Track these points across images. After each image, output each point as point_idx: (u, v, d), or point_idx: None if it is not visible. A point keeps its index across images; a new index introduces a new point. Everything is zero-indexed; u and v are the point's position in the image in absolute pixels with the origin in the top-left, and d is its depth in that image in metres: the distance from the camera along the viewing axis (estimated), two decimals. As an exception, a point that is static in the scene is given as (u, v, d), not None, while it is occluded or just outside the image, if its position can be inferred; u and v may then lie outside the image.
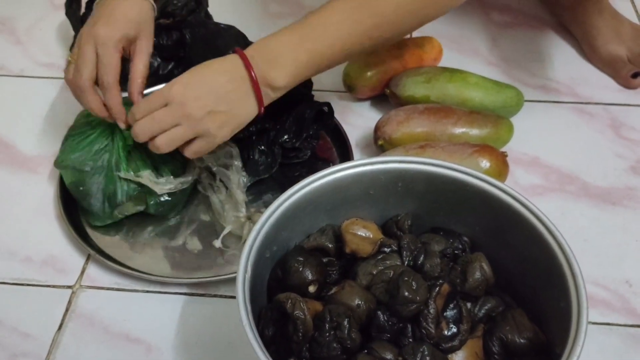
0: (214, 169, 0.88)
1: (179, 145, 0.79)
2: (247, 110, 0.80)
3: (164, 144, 0.78)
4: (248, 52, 0.78)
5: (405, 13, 0.79)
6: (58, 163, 0.88)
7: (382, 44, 0.84)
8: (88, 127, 0.89)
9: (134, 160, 0.86)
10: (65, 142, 0.89)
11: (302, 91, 0.93)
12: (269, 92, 0.80)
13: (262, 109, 0.81)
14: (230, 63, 0.79)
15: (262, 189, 0.92)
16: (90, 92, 0.82)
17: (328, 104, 0.94)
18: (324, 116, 0.94)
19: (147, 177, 0.85)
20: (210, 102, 0.77)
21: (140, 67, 0.83)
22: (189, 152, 0.81)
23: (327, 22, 0.79)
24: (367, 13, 0.77)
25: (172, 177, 0.86)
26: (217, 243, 0.84)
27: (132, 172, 0.85)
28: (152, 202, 0.87)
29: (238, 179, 0.87)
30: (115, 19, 0.82)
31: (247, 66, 0.77)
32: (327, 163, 0.95)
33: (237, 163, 0.88)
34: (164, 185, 0.85)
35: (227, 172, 0.87)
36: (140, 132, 0.78)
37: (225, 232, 0.85)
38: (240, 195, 0.86)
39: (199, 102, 0.77)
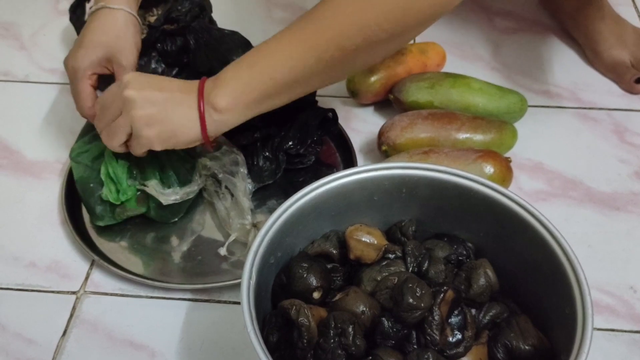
0: (220, 175, 0.88)
1: (122, 141, 0.79)
2: (184, 123, 0.77)
3: (109, 140, 0.79)
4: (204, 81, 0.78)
5: (348, 52, 0.73)
6: (71, 155, 0.88)
7: (336, 75, 0.79)
8: None
9: (142, 163, 0.86)
10: (82, 134, 0.90)
11: (306, 97, 0.93)
12: (212, 113, 0.76)
13: (205, 134, 0.77)
14: (190, 91, 0.77)
15: (267, 194, 0.92)
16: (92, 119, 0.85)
17: (332, 110, 0.94)
18: (328, 122, 0.94)
19: (153, 187, 0.85)
20: (160, 113, 0.76)
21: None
22: (133, 150, 0.80)
23: (271, 44, 0.76)
24: (315, 57, 0.73)
25: (178, 187, 0.86)
26: (223, 251, 0.84)
27: (137, 182, 0.85)
28: (153, 205, 0.87)
29: (244, 186, 0.87)
30: (82, 47, 0.84)
31: (200, 83, 0.77)
32: (331, 168, 0.96)
33: (243, 170, 0.88)
34: (169, 196, 0.85)
35: (232, 179, 0.87)
36: (100, 129, 0.80)
37: (230, 239, 0.85)
38: (246, 203, 0.86)
39: (148, 109, 0.75)
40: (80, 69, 0.83)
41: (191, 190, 0.87)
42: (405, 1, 0.70)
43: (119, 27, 0.85)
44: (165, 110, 0.76)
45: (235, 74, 0.77)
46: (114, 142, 0.79)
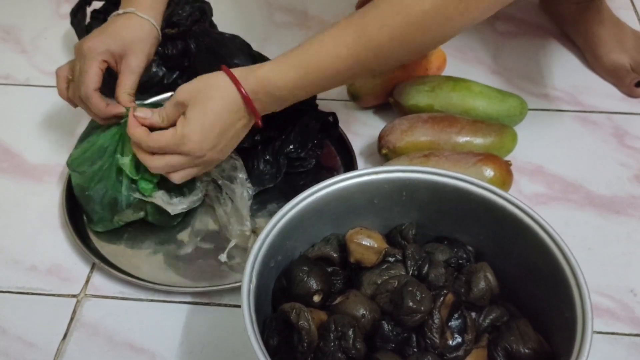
0: (219, 181, 0.87)
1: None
2: (247, 129, 0.82)
3: (177, 180, 0.80)
4: (251, 86, 0.76)
5: (400, 43, 0.75)
6: (69, 163, 0.88)
7: (377, 73, 0.83)
8: (98, 130, 0.88)
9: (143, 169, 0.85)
10: (80, 142, 0.89)
11: (306, 101, 0.93)
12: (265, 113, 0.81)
13: (260, 122, 0.81)
14: (234, 102, 0.77)
15: (267, 198, 0.92)
16: (80, 103, 0.85)
17: (333, 114, 0.94)
18: (329, 126, 0.95)
19: (159, 197, 0.85)
20: (224, 142, 0.79)
21: (124, 84, 0.84)
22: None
23: (327, 58, 0.76)
24: (363, 45, 0.75)
25: (183, 197, 0.86)
26: (223, 257, 0.84)
27: (145, 194, 0.85)
28: (151, 211, 0.87)
29: (242, 192, 0.87)
30: (103, 34, 0.85)
31: (251, 107, 0.77)
32: (331, 172, 0.96)
33: (242, 175, 0.88)
34: (176, 206, 0.85)
35: (231, 185, 0.87)
36: (154, 171, 0.80)
37: (230, 245, 0.85)
38: (245, 209, 0.86)
39: (214, 150, 0.78)
40: (97, 50, 0.83)
41: (197, 198, 0.87)
42: None
43: (141, 33, 0.86)
44: (236, 142, 0.81)
45: (294, 93, 0.78)
46: (179, 178, 0.80)
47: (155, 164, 0.79)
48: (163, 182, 0.85)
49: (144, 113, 0.79)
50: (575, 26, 1.13)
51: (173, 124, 0.78)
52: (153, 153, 0.78)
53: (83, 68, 0.83)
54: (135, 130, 0.78)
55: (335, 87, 0.80)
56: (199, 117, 0.76)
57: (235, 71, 0.77)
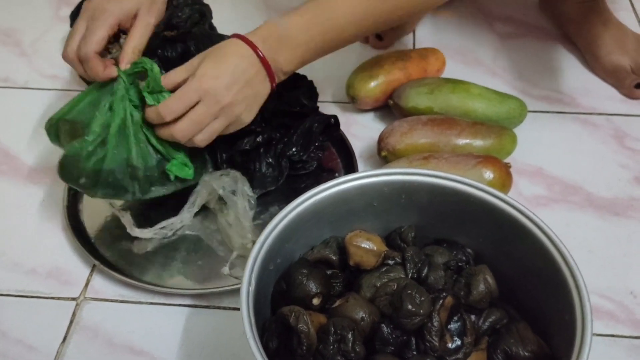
0: (220, 191, 0.87)
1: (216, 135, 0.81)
2: (265, 90, 0.82)
3: (204, 141, 0.80)
4: (257, 36, 0.79)
5: None
6: (52, 122, 0.85)
7: (395, 23, 0.85)
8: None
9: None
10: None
11: (308, 104, 0.94)
12: (280, 74, 0.82)
13: (274, 86, 0.82)
14: (243, 48, 0.79)
15: (269, 200, 0.92)
16: (75, 64, 0.83)
17: (335, 117, 0.94)
18: (331, 128, 0.95)
19: (126, 217, 0.86)
20: (240, 88, 0.78)
21: (133, 37, 0.82)
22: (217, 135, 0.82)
23: (338, 10, 0.79)
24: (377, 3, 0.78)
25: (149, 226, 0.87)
26: (226, 270, 0.84)
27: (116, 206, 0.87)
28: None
29: (244, 205, 0.86)
30: (110, 2, 0.82)
31: (257, 54, 0.78)
32: (332, 174, 0.96)
33: (244, 187, 0.87)
34: (138, 231, 0.86)
35: (233, 197, 0.86)
36: (182, 135, 0.79)
37: (232, 257, 0.85)
38: (247, 221, 0.85)
39: (231, 92, 0.78)
40: (108, 12, 0.81)
41: (169, 224, 0.88)
42: None
43: None
44: (254, 93, 0.80)
45: (304, 37, 0.79)
46: (205, 138, 0.80)
47: (181, 126, 0.78)
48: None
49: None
50: (577, 26, 1.13)
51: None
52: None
53: (91, 28, 0.81)
54: (150, 108, 0.78)
55: (343, 45, 0.82)
56: (210, 61, 0.77)
57: (249, 33, 0.80)
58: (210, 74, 0.77)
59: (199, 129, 0.79)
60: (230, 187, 0.87)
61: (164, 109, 0.77)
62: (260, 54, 0.78)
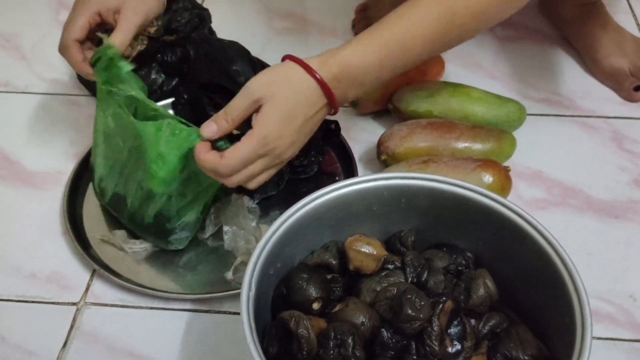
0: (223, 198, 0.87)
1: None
2: (317, 125, 0.78)
3: (256, 186, 0.77)
4: (331, 73, 0.73)
5: (479, 20, 0.77)
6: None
7: (450, 48, 0.83)
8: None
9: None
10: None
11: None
12: (343, 103, 0.78)
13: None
14: (314, 95, 0.73)
15: (270, 204, 0.92)
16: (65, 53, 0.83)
17: (335, 122, 0.94)
18: (331, 133, 0.95)
19: (119, 237, 0.86)
20: (301, 138, 0.76)
21: (114, 39, 0.80)
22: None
23: (411, 40, 0.75)
24: (448, 21, 0.75)
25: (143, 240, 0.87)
26: (229, 275, 0.84)
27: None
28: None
29: (246, 211, 0.86)
30: None
31: (330, 96, 0.74)
32: (332, 178, 0.96)
33: (243, 202, 0.88)
34: (134, 245, 0.87)
35: (236, 203, 0.87)
36: (233, 184, 0.74)
37: (236, 263, 0.85)
38: (250, 228, 0.86)
39: (294, 146, 0.75)
40: (89, 1, 0.81)
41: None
42: None
43: None
44: (305, 135, 0.77)
45: (376, 76, 0.76)
46: (257, 185, 0.77)
47: (235, 180, 0.73)
48: None
49: (209, 130, 0.73)
50: (575, 29, 1.13)
51: (241, 123, 0.74)
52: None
53: (71, 17, 0.81)
54: (206, 159, 0.72)
55: (412, 67, 0.79)
56: (277, 113, 0.71)
57: (311, 60, 0.73)
58: (275, 136, 0.72)
59: (252, 178, 0.75)
60: (231, 210, 0.87)
61: (225, 169, 0.72)
62: (332, 97, 0.74)
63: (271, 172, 0.77)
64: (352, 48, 0.74)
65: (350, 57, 0.74)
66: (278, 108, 0.72)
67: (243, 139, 0.72)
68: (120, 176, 0.85)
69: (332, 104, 0.75)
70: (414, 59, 0.77)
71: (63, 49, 0.83)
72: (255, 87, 0.72)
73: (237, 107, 0.73)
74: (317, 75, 0.72)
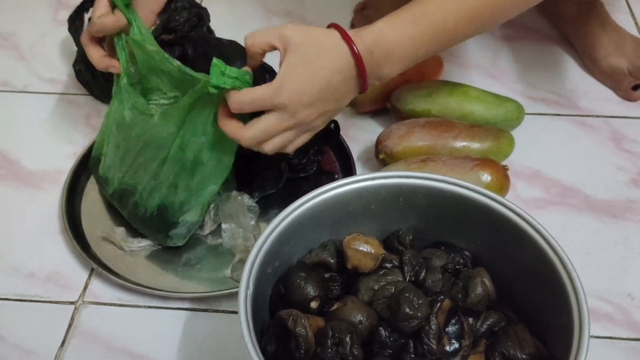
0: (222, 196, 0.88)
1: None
2: (349, 101, 0.76)
3: (272, 150, 0.74)
4: (365, 45, 0.70)
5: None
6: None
7: (484, 32, 0.80)
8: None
9: None
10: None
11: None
12: (375, 82, 0.74)
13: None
14: (344, 61, 0.70)
15: (268, 203, 0.92)
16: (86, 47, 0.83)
17: (335, 122, 0.94)
18: (330, 133, 0.95)
19: (119, 234, 0.86)
20: (323, 105, 0.72)
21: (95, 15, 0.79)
22: (290, 149, 0.77)
23: (447, 16, 0.72)
24: (484, 2, 0.73)
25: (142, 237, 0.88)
26: (227, 272, 0.84)
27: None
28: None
29: (245, 210, 0.86)
30: None
31: (361, 68, 0.70)
32: (331, 177, 0.96)
33: (242, 200, 0.88)
34: (133, 243, 0.87)
35: (235, 201, 0.87)
36: (249, 142, 0.73)
37: (235, 260, 0.85)
38: (249, 226, 0.86)
39: (312, 109, 0.72)
40: None
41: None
42: None
43: None
44: (337, 107, 0.74)
45: (411, 53, 0.73)
46: (274, 148, 0.74)
47: (249, 134, 0.72)
48: None
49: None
50: (574, 28, 1.13)
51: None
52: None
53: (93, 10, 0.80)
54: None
55: (445, 50, 0.77)
56: (301, 65, 0.69)
57: (348, 31, 0.71)
58: (293, 89, 0.70)
59: (268, 138, 0.73)
60: (231, 208, 0.87)
61: (233, 96, 0.71)
62: (363, 69, 0.71)
63: (288, 137, 0.74)
64: (388, 21, 0.72)
65: (386, 30, 0.71)
66: (302, 60, 0.69)
67: (262, 85, 0.71)
68: (131, 167, 0.85)
69: (363, 77, 0.71)
70: (447, 40, 0.75)
71: (83, 45, 0.82)
72: (288, 27, 0.70)
73: (263, 33, 0.71)
74: (353, 45, 0.69)
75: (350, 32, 0.71)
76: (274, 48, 0.71)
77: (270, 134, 0.73)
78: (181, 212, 0.83)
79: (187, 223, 0.84)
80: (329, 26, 0.73)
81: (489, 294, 0.68)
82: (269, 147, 0.74)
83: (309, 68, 0.69)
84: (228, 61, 0.94)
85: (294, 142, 0.76)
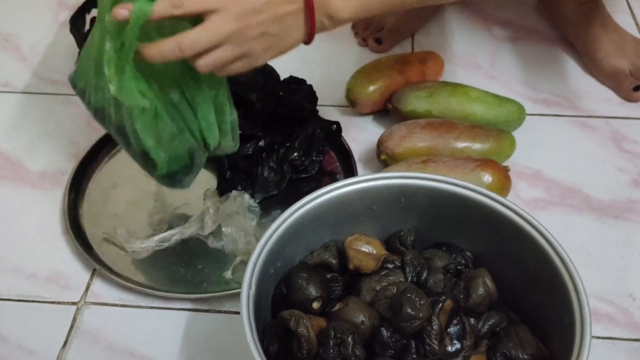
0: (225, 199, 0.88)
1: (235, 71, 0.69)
2: (295, 38, 0.70)
3: (204, 66, 0.67)
4: None
5: None
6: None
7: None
8: None
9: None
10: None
11: (307, 107, 0.94)
12: (325, 21, 0.70)
13: (311, 39, 0.71)
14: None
15: (270, 204, 0.92)
16: None
17: (337, 123, 0.95)
18: (332, 134, 0.95)
19: (120, 235, 0.86)
20: (266, 19, 0.66)
21: None
22: (223, 72, 0.69)
23: None
24: None
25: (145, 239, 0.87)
26: (228, 274, 0.84)
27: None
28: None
29: (246, 211, 0.87)
30: None
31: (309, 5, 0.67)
32: (333, 178, 0.96)
33: (244, 200, 0.88)
34: (135, 244, 0.86)
35: (236, 202, 0.87)
36: (178, 50, 0.64)
37: (236, 262, 0.85)
38: (251, 227, 0.86)
39: (256, 18, 0.66)
40: None
41: (166, 236, 0.87)
42: None
43: None
44: (280, 34, 0.68)
45: None
46: (208, 63, 0.66)
47: (182, 40, 0.64)
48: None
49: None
50: (575, 29, 1.13)
51: None
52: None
53: None
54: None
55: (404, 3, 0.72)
56: None
57: None
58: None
59: (202, 48, 0.65)
60: (231, 208, 0.87)
61: (184, 41, 0.64)
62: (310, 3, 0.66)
63: (220, 54, 0.66)
64: None
65: None
66: None
67: None
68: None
69: (309, 7, 0.67)
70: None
71: None
72: None
73: None
74: None
75: None
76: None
77: (205, 43, 0.65)
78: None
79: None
80: None
81: (490, 294, 0.68)
82: (201, 62, 0.66)
83: None
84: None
85: (231, 66, 0.69)
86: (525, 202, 0.93)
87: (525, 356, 0.64)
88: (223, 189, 0.90)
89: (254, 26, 0.66)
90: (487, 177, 0.86)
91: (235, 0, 0.65)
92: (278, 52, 0.70)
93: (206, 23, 0.64)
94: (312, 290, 0.68)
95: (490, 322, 0.68)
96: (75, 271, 0.87)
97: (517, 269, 0.70)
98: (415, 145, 0.92)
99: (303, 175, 0.94)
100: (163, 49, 0.64)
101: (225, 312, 0.82)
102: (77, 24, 1.09)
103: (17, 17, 1.28)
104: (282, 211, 0.70)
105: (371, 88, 1.02)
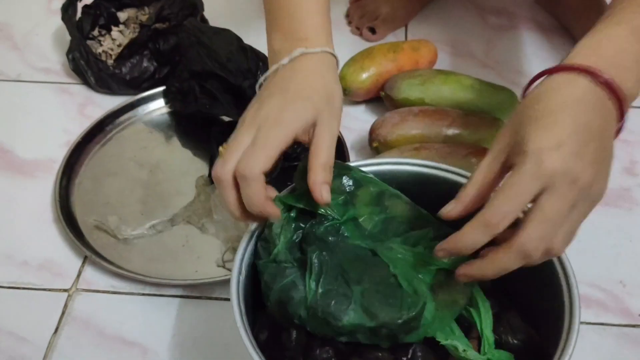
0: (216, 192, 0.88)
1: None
2: (614, 133, 0.59)
3: (564, 245, 0.54)
4: (606, 56, 0.56)
5: None
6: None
7: None
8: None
9: None
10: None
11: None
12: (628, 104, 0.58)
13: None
14: (591, 94, 0.55)
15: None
16: (228, 186, 0.61)
17: None
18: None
19: (112, 222, 0.87)
20: (597, 156, 0.54)
21: (321, 150, 0.62)
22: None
23: None
24: None
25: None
26: (219, 261, 0.84)
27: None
28: None
29: None
30: (290, 102, 0.62)
31: (614, 92, 0.55)
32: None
33: None
34: (126, 231, 0.87)
35: None
36: (534, 249, 0.53)
37: (226, 249, 0.85)
38: None
39: (591, 168, 0.53)
40: (285, 122, 0.61)
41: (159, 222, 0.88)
42: None
43: (330, 81, 0.64)
44: (610, 154, 0.57)
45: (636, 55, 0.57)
46: (565, 243, 0.54)
47: (526, 236, 0.53)
48: None
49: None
50: (575, 16, 1.13)
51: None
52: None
53: (260, 142, 0.61)
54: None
55: None
56: (530, 115, 0.54)
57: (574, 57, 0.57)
58: (546, 144, 0.51)
59: (554, 231, 0.52)
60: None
61: (491, 214, 0.53)
62: (614, 89, 0.54)
63: (581, 212, 0.53)
64: (594, 33, 0.58)
65: (591, 39, 0.58)
66: (536, 119, 0.54)
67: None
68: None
69: (615, 94, 0.55)
70: None
71: (242, 180, 0.60)
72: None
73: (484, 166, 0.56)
74: (586, 66, 0.54)
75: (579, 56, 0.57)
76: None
77: (557, 224, 0.52)
78: None
79: None
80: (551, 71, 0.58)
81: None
82: (559, 243, 0.53)
83: (567, 119, 0.53)
84: (222, 50, 0.94)
85: (578, 222, 0.54)
86: (518, 190, 0.93)
87: (516, 341, 0.64)
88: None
89: (591, 175, 0.54)
90: (479, 164, 0.86)
91: (557, 168, 0.51)
92: (611, 164, 0.58)
93: (541, 214, 0.52)
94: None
95: (480, 308, 0.68)
96: (67, 258, 0.87)
97: (507, 254, 0.70)
98: (407, 133, 0.92)
99: (295, 163, 0.94)
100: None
101: (216, 298, 0.82)
102: (69, 12, 1.09)
103: (9, 6, 1.27)
104: (274, 197, 0.70)
105: (364, 76, 1.02)
